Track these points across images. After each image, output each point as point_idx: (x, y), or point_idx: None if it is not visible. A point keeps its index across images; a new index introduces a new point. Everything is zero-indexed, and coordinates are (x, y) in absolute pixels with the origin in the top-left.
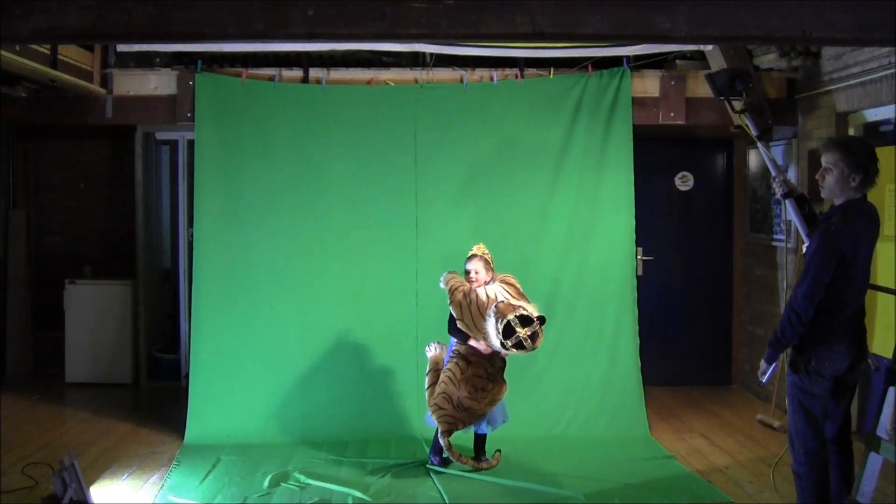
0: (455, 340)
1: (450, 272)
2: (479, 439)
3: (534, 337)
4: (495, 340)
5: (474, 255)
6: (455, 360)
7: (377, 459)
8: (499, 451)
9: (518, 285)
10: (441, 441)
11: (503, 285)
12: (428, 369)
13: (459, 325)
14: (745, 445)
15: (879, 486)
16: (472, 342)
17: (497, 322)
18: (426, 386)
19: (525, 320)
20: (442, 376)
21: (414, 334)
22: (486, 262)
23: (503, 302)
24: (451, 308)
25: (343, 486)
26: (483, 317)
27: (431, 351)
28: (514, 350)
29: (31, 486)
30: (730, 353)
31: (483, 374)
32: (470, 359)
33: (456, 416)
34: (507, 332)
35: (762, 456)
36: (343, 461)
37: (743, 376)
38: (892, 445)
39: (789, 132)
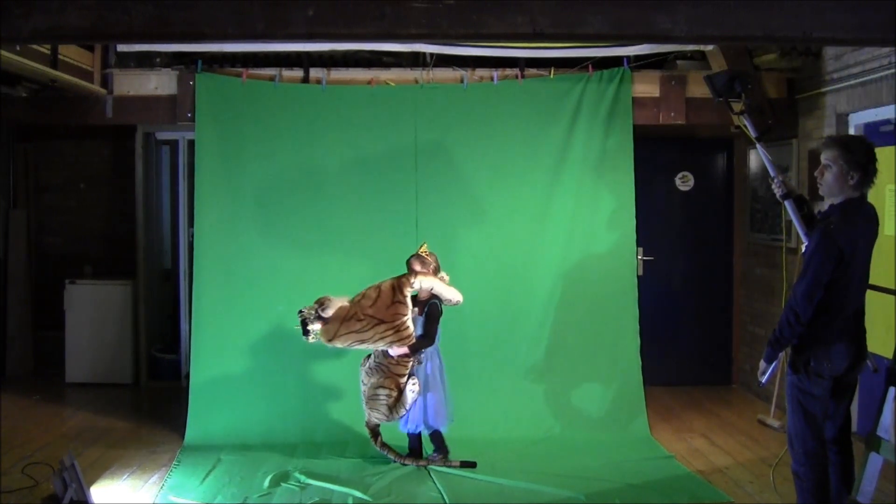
0: None
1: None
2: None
3: (302, 325)
4: None
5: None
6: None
7: (377, 459)
8: (460, 463)
9: (391, 282)
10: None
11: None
12: None
13: None
14: (746, 445)
15: (880, 486)
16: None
17: None
18: None
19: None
20: None
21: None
22: (421, 261)
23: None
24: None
25: (343, 486)
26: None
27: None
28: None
29: (32, 486)
30: (730, 353)
31: (365, 362)
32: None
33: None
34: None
35: (763, 456)
36: (343, 461)
37: (743, 376)
38: (893, 445)
39: (789, 132)
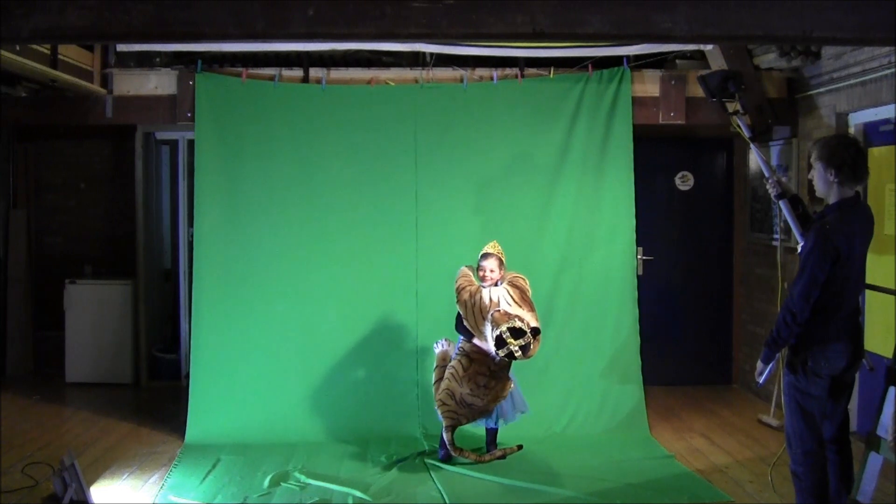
0: (462, 337)
1: (466, 266)
2: (490, 433)
3: (525, 348)
4: (491, 346)
5: (489, 254)
6: (459, 357)
7: (377, 459)
8: (519, 446)
9: (526, 287)
10: (445, 435)
11: (508, 288)
12: (435, 365)
13: (465, 323)
14: (746, 445)
15: (880, 485)
16: (475, 340)
17: (492, 330)
18: (433, 381)
19: (517, 332)
20: (446, 373)
21: (414, 334)
22: (500, 261)
23: (499, 311)
24: (458, 306)
25: (343, 485)
26: (483, 319)
27: (439, 347)
28: (506, 359)
29: (32, 486)
30: (730, 353)
31: (486, 371)
32: (472, 356)
33: (458, 411)
34: (500, 342)
35: (762, 455)
36: (343, 461)
37: (743, 376)
38: (893, 444)
39: (789, 132)
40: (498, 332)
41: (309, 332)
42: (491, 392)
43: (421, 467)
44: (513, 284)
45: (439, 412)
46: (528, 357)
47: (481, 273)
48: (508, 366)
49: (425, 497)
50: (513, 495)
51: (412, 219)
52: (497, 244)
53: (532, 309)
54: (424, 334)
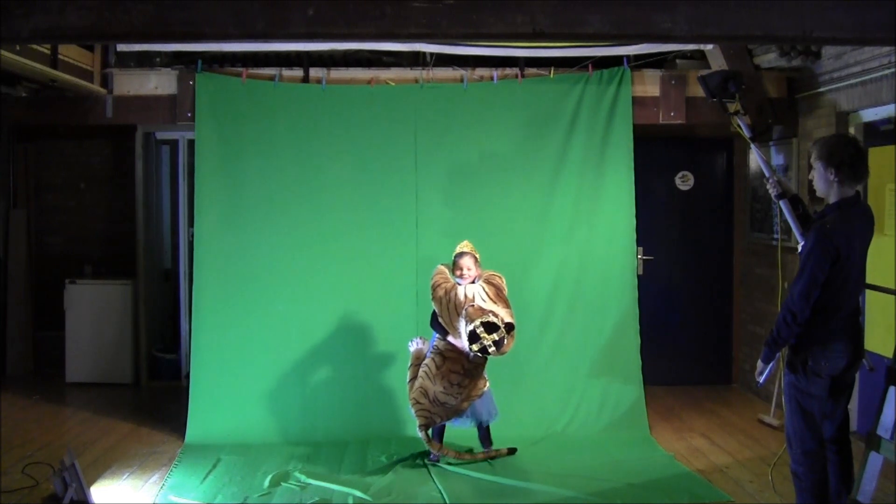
0: (436, 335)
1: (442, 265)
2: (482, 431)
3: (498, 344)
4: (464, 341)
5: (464, 252)
6: (433, 355)
7: (377, 459)
8: (511, 449)
9: (502, 285)
10: (419, 433)
11: (484, 285)
12: (410, 363)
13: (440, 320)
14: (746, 445)
15: (880, 485)
16: (450, 338)
17: (466, 325)
18: (407, 380)
19: (491, 327)
20: (420, 371)
21: (414, 334)
22: (475, 259)
23: (473, 306)
24: (433, 303)
25: (343, 485)
26: (458, 315)
27: (414, 345)
28: (480, 354)
29: (32, 486)
30: (730, 353)
31: (459, 369)
32: (446, 354)
33: (432, 410)
34: (473, 337)
35: (762, 455)
36: (343, 461)
37: (743, 376)
38: (893, 444)
39: (789, 132)
40: (472, 327)
41: (309, 332)
42: (464, 391)
43: (421, 467)
44: (488, 282)
45: (413, 411)
46: (502, 353)
47: (458, 271)
48: (482, 365)
49: (425, 497)
50: (513, 495)
51: (412, 219)
52: (469, 243)
53: (507, 306)
54: (424, 334)
